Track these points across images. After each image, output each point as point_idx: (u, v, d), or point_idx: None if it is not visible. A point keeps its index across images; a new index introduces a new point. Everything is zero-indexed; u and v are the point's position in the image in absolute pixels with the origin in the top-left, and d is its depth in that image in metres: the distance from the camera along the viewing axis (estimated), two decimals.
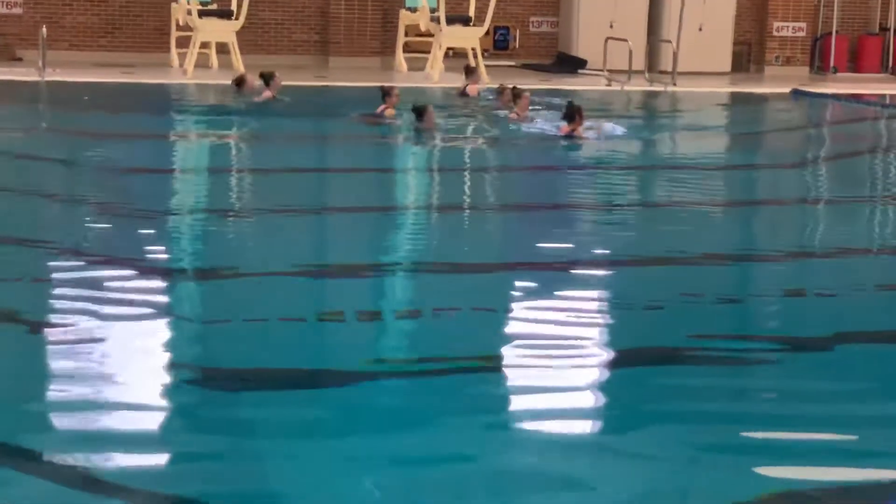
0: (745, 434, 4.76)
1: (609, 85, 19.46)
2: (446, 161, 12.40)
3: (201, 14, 18.70)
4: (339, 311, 6.44)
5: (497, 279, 7.27)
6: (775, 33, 22.95)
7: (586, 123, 13.17)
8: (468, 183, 11.17)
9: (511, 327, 6.27)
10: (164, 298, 6.57)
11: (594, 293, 7.01)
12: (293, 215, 9.02)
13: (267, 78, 15.54)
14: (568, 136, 12.94)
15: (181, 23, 19.31)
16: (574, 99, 14.74)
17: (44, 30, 17.78)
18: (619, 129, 13.68)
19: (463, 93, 16.65)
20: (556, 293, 6.82)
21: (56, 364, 5.44)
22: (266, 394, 5.18)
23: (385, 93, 14.16)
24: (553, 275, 7.29)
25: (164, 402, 5.07)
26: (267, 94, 15.38)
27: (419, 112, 13.25)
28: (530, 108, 14.57)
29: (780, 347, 6.02)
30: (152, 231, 8.23)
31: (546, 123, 13.77)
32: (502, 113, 14.59)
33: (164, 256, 7.59)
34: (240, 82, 16.22)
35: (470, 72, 17.24)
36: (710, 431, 4.83)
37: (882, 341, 6.20)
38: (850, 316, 6.66)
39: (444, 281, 7.15)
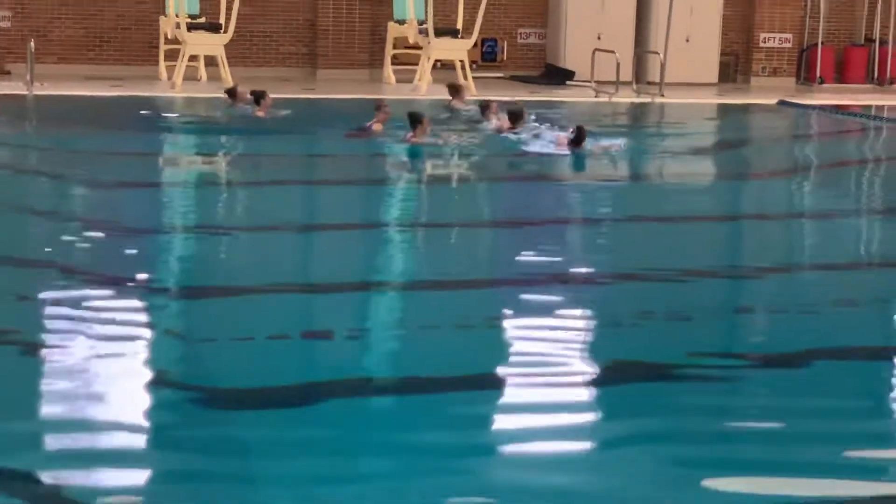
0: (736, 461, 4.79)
1: (597, 96, 19.51)
2: (442, 178, 12.35)
3: (190, 27, 18.69)
4: (329, 328, 6.45)
5: (491, 295, 7.28)
6: (762, 44, 23.04)
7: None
8: (464, 199, 11.18)
9: (502, 344, 6.28)
10: (153, 317, 6.55)
11: (584, 309, 7.01)
12: (282, 232, 9.02)
13: (258, 97, 15.51)
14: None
15: (170, 36, 19.30)
16: (570, 114, 14.70)
17: (32, 43, 17.78)
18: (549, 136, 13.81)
19: (450, 107, 16.55)
20: (547, 309, 6.82)
21: (44, 384, 5.42)
22: (256, 412, 5.17)
23: (376, 107, 14.18)
24: (548, 290, 7.30)
25: (153, 422, 5.05)
26: (259, 113, 15.33)
27: (414, 120, 13.09)
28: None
29: (771, 364, 6.03)
30: (141, 248, 8.23)
31: (545, 140, 13.59)
32: (493, 127, 14.50)
33: (153, 274, 7.56)
34: (232, 93, 16.21)
35: (455, 90, 16.88)
36: (701, 455, 4.85)
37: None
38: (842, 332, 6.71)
39: (436, 298, 7.17)
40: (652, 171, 13.49)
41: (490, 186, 11.87)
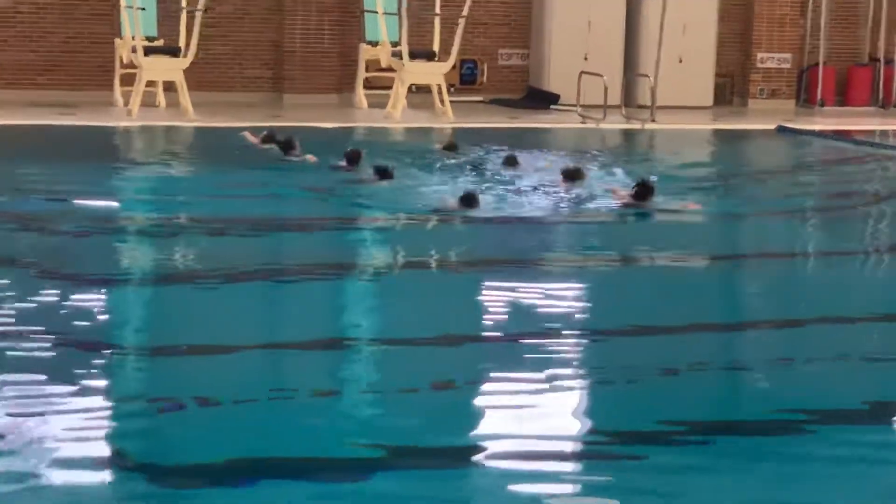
0: None
1: (583, 122, 19.44)
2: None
3: (147, 51, 18.50)
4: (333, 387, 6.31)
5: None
6: (759, 65, 23.12)
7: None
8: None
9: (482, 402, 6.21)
10: (107, 377, 6.40)
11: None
12: (269, 283, 8.83)
13: (286, 146, 14.65)
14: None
15: (125, 60, 19.14)
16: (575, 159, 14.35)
17: None
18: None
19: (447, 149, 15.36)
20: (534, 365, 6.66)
21: None
22: (221, 487, 5.00)
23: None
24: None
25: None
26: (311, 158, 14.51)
27: (468, 201, 11.51)
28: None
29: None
30: (95, 301, 8.03)
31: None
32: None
33: (107, 329, 7.39)
34: (288, 145, 14.70)
35: (449, 149, 15.32)
36: None
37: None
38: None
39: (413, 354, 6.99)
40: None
41: None
